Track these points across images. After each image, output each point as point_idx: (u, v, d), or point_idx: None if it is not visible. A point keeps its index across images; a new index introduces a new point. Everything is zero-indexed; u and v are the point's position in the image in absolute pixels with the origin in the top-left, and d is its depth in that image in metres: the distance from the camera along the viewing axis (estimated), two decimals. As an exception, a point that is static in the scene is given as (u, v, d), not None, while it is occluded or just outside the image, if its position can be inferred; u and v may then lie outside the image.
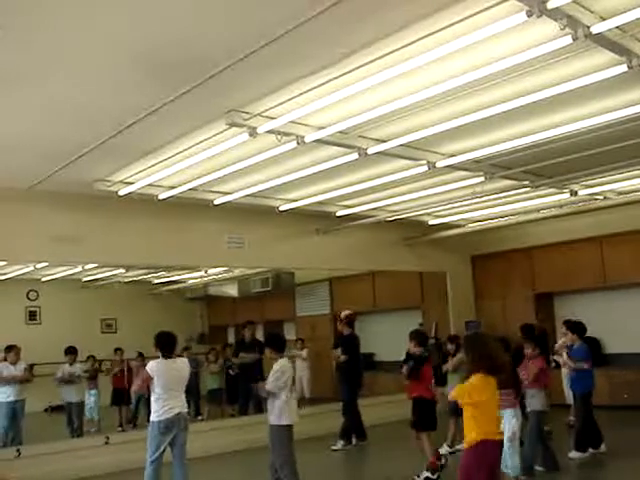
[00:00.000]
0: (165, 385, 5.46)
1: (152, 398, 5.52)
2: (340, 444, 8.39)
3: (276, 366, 5.54)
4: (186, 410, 5.62)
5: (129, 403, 10.49)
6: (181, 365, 5.71)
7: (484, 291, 11.71)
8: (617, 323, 10.02)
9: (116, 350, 10.95)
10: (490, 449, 4.09)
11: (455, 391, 4.33)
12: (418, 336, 6.87)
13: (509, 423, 5.67)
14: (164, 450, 5.45)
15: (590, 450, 6.92)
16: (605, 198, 8.98)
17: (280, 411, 5.44)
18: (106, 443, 7.82)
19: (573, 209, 9.38)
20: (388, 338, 11.68)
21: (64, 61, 4.25)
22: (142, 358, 9.93)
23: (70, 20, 3.70)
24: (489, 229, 10.61)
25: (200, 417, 10.73)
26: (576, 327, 7.38)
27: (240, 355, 10.27)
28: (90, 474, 7.27)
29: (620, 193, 8.84)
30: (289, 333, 14.67)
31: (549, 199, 9.04)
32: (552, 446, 6.53)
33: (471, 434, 4.09)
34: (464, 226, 10.70)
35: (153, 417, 5.47)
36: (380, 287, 12.69)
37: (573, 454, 6.88)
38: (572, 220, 9.81)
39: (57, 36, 3.90)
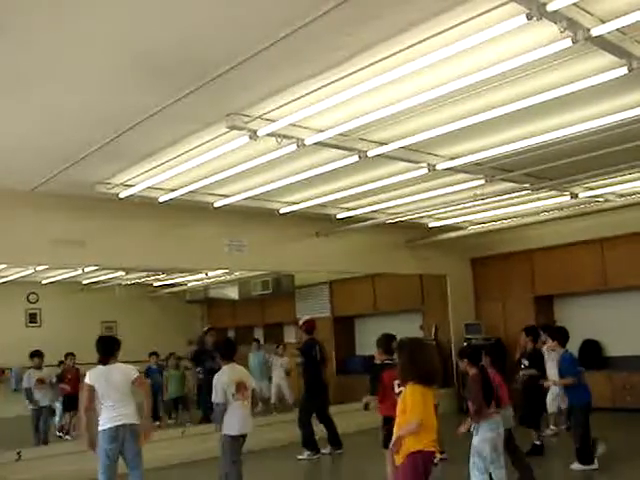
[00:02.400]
0: (104, 394, 5.25)
1: (98, 407, 5.33)
2: (306, 454, 8.01)
3: (216, 376, 5.61)
4: (133, 421, 5.33)
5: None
6: (121, 372, 5.40)
7: (484, 293, 11.69)
8: (618, 326, 10.00)
9: (67, 355, 10.19)
10: (422, 459, 3.90)
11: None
12: (386, 342, 5.95)
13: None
14: (115, 459, 5.31)
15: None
16: (606, 200, 8.96)
17: (228, 419, 5.51)
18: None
19: (574, 211, 9.38)
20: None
21: (65, 62, 4.24)
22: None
23: (70, 21, 3.69)
24: (489, 231, 10.61)
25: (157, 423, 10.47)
26: (558, 333, 6.71)
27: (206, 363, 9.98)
28: (90, 477, 7.24)
29: (621, 195, 8.83)
30: (289, 336, 14.70)
31: (550, 201, 9.03)
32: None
33: (406, 445, 3.92)
34: (464, 228, 10.69)
35: (99, 427, 5.30)
36: (380, 289, 12.70)
37: (575, 466, 6.44)
38: (573, 222, 9.78)
39: (57, 37, 3.89)
